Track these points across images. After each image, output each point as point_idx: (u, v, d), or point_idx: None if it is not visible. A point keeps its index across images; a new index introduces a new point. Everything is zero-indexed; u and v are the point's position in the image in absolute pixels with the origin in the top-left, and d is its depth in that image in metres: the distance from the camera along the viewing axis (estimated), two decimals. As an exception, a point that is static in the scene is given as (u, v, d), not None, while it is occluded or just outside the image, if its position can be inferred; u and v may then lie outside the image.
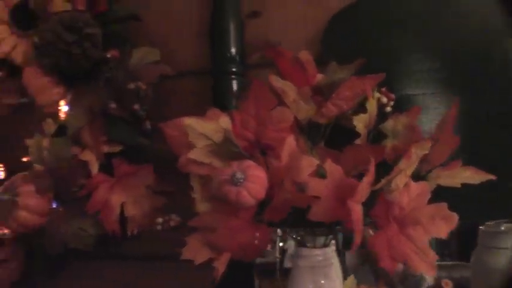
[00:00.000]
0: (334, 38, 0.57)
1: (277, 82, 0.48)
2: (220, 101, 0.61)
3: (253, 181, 0.42)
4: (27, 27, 0.66)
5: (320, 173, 0.44)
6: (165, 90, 0.62)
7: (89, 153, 0.59)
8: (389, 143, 0.49)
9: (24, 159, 0.66)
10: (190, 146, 0.47)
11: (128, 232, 0.59)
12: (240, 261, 0.44)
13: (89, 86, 0.60)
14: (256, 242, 0.42)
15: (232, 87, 0.60)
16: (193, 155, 0.46)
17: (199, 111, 0.47)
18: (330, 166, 0.43)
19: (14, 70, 0.71)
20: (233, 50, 0.60)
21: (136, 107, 0.56)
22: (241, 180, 0.41)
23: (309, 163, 0.43)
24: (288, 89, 0.48)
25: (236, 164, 0.43)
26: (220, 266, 0.43)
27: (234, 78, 0.60)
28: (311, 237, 0.48)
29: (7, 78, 0.71)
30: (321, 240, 0.49)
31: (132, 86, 0.55)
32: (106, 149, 0.59)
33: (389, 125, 0.50)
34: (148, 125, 0.57)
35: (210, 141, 0.47)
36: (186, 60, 0.64)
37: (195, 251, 0.44)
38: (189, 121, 0.46)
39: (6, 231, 0.64)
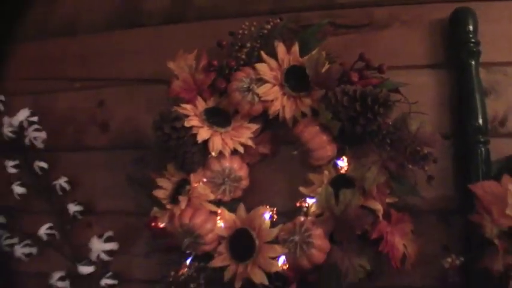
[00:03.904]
0: None
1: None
2: (467, 165, 0.86)
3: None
4: (298, 89, 0.88)
5: None
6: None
7: (376, 203, 0.81)
8: None
9: (298, 204, 0.87)
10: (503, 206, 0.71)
11: (407, 265, 0.82)
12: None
13: (367, 145, 0.83)
14: None
15: (480, 155, 0.85)
16: (509, 210, 0.71)
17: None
18: None
19: (268, 123, 0.93)
20: (480, 120, 0.86)
21: (428, 168, 0.79)
22: None
23: None
24: None
25: None
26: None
27: (481, 147, 0.86)
28: None
29: (262, 130, 0.93)
30: None
31: (426, 151, 0.78)
32: (388, 200, 0.82)
33: None
34: (431, 181, 0.81)
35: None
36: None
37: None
38: (512, 188, 0.70)
39: (284, 267, 0.84)
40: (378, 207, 0.81)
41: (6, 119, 1.09)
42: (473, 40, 0.89)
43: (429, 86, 0.92)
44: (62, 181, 1.04)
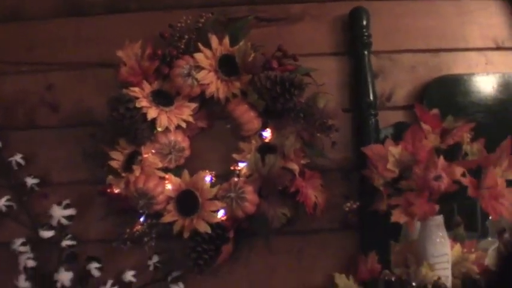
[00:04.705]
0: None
1: (424, 127, 1.03)
2: (361, 132, 1.14)
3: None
4: (229, 74, 1.10)
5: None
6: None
7: (294, 164, 1.06)
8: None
9: (232, 168, 1.10)
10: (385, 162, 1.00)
11: (318, 212, 1.08)
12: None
13: (285, 119, 1.07)
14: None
15: (371, 124, 1.13)
16: (389, 165, 0.99)
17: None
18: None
19: (204, 103, 1.14)
20: (371, 97, 1.14)
21: (332, 135, 1.05)
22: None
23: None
24: (427, 130, 1.03)
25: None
26: (410, 225, 0.97)
27: (372, 118, 1.13)
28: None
29: (200, 108, 1.13)
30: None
31: (330, 122, 1.04)
32: (302, 161, 1.08)
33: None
34: (334, 145, 1.07)
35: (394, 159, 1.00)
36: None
37: (398, 217, 0.97)
38: (391, 148, 0.98)
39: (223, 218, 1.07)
40: (295, 167, 1.07)
41: (-47, 102, 1.19)
42: (366, 34, 1.15)
43: (333, 71, 1.18)
44: (18, 157, 1.18)
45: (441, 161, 1.00)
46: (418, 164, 1.01)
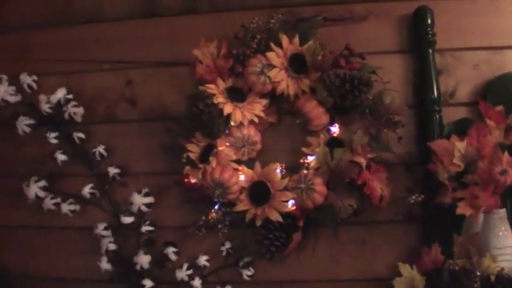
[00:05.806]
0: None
1: (489, 123, 1.09)
2: (425, 128, 1.20)
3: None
4: (298, 72, 1.19)
5: None
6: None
7: (361, 158, 1.14)
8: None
9: (301, 161, 1.19)
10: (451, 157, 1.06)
11: (383, 204, 1.16)
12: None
13: (353, 115, 1.15)
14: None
15: (435, 120, 1.20)
16: (455, 160, 1.06)
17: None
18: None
19: (274, 99, 1.23)
20: (435, 93, 1.20)
21: (398, 131, 1.13)
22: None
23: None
24: (492, 126, 1.09)
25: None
26: (475, 217, 1.04)
27: (436, 114, 1.20)
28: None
29: (269, 104, 1.23)
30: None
31: (396, 118, 1.11)
32: (369, 155, 1.15)
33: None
34: (400, 140, 1.15)
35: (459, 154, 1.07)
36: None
37: (464, 210, 1.03)
38: (457, 143, 1.05)
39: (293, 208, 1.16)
40: (362, 161, 1.15)
41: (42, 97, 1.32)
42: (430, 32, 1.21)
43: (398, 68, 1.25)
44: (101, 148, 1.31)
45: (506, 156, 1.06)
46: (482, 159, 1.07)
